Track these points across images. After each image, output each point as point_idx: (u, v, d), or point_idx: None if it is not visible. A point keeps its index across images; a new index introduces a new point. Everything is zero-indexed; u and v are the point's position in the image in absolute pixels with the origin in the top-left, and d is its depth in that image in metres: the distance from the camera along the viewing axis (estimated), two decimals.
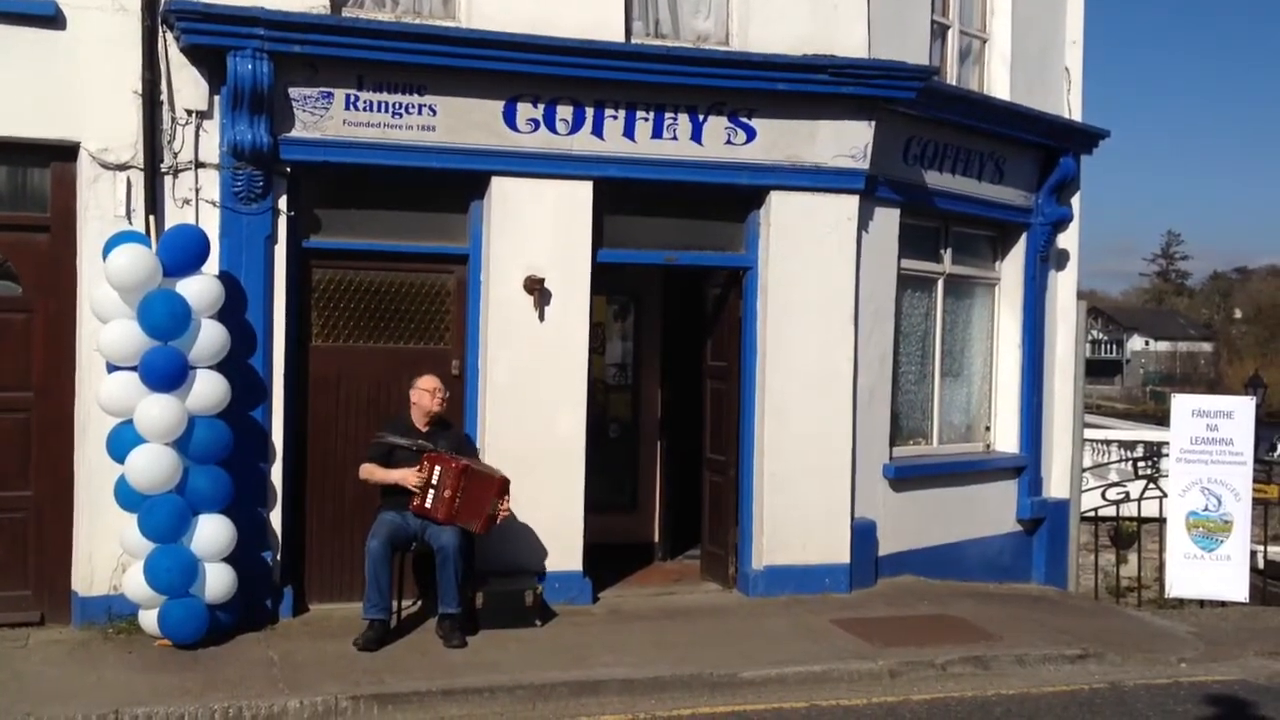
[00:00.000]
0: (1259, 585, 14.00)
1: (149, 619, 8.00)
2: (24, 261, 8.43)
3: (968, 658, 8.52)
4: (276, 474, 8.71)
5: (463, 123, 8.94)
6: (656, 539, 11.84)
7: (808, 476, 10.07)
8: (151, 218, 8.28)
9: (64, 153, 8.31)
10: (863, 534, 10.43)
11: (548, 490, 9.33)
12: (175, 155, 8.43)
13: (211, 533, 8.01)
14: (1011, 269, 12.47)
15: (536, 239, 9.28)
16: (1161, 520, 12.59)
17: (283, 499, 8.75)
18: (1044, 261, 12.47)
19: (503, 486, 8.43)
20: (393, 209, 9.19)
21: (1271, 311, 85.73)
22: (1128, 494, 13.14)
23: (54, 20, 8.10)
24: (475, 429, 9.29)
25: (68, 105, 8.17)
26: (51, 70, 8.12)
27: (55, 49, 8.12)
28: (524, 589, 8.88)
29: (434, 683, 7.44)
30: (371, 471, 8.48)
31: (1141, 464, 13.97)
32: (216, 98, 8.46)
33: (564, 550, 9.44)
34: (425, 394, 8.56)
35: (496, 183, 9.20)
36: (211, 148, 8.49)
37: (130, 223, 8.27)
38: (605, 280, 9.93)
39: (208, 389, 8.02)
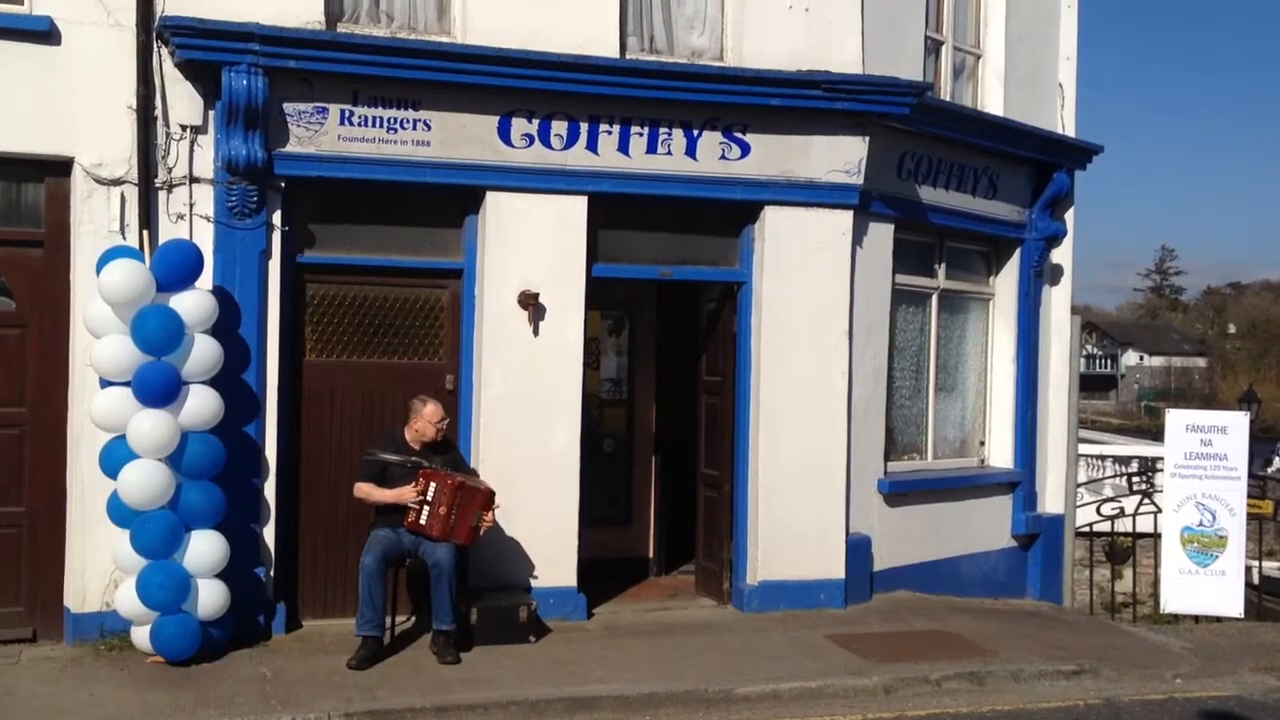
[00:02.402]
0: (1254, 600, 13.97)
1: (141, 635, 7.97)
2: (18, 276, 8.42)
3: (963, 673, 8.50)
4: (270, 489, 8.69)
5: (457, 138, 8.95)
6: (651, 554, 11.81)
7: (802, 491, 10.06)
8: (145, 233, 8.28)
9: (58, 168, 8.31)
10: (858, 549, 10.41)
11: (542, 505, 9.32)
12: (169, 170, 8.43)
13: (204, 549, 7.99)
14: (1006, 284, 12.49)
15: (531, 254, 9.28)
16: (1156, 535, 12.59)
17: (276, 514, 8.73)
18: (1038, 276, 12.50)
19: (487, 499, 8.41)
20: (387, 224, 9.19)
21: (1265, 326, 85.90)
22: (1122, 509, 13.14)
23: (49, 36, 8.11)
24: (469, 444, 9.28)
25: (62, 120, 8.18)
26: (46, 85, 8.12)
27: (50, 64, 8.13)
28: (518, 605, 8.86)
29: (428, 699, 7.42)
30: (368, 491, 8.43)
31: (1136, 479, 13.99)
32: (211, 113, 8.47)
33: (558, 565, 9.42)
34: (429, 426, 8.49)
35: (491, 198, 9.20)
36: (206, 163, 8.50)
37: (124, 238, 8.27)
38: (600, 295, 9.94)
39: (201, 404, 8.00)
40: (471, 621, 8.64)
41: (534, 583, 9.32)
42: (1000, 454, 12.46)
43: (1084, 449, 19.58)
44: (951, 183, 11.32)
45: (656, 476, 11.93)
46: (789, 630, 9.45)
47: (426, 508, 8.22)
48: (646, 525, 11.92)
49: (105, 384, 7.97)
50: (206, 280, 8.33)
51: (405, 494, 8.27)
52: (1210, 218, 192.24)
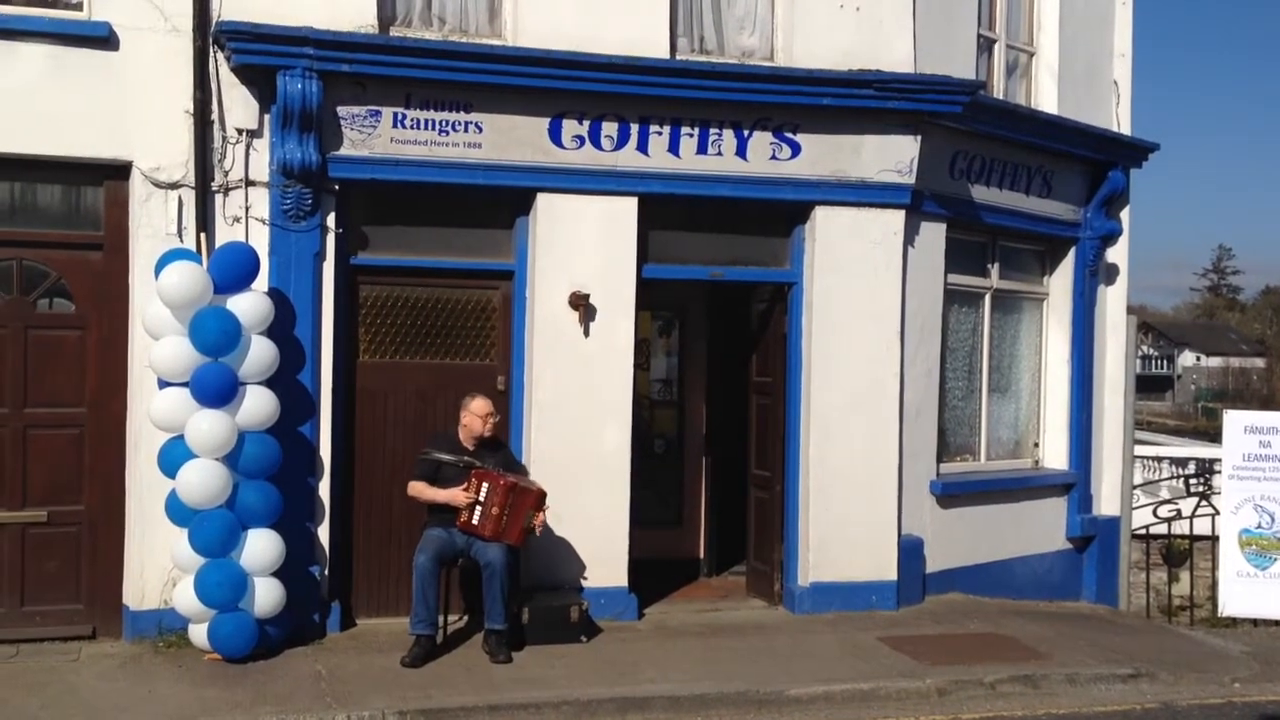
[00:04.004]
0: None
1: (199, 633, 8.08)
2: (78, 279, 8.56)
3: (1017, 676, 8.43)
4: (324, 489, 8.77)
5: (508, 140, 8.99)
6: (702, 555, 11.82)
7: (854, 493, 10.02)
8: (202, 235, 8.39)
9: (117, 171, 8.44)
10: (910, 551, 10.35)
11: (593, 506, 9.34)
12: (226, 173, 8.53)
13: (261, 547, 8.08)
14: (1060, 284, 12.37)
15: (581, 255, 9.31)
16: (1214, 538, 12.43)
17: (330, 514, 8.81)
18: (1093, 276, 12.36)
19: (539, 499, 8.45)
20: (439, 225, 9.26)
21: None
22: (1179, 511, 12.97)
23: (107, 41, 8.23)
24: (520, 444, 9.33)
25: (121, 125, 8.30)
26: (105, 90, 8.25)
27: (109, 69, 8.26)
28: (569, 604, 8.88)
29: (480, 698, 7.46)
30: (420, 490, 8.49)
31: (1193, 481, 13.80)
32: (266, 117, 8.56)
33: (609, 566, 9.44)
34: (477, 420, 8.56)
35: (542, 199, 9.24)
36: (261, 166, 8.59)
37: (181, 240, 8.39)
38: (650, 296, 9.95)
39: (257, 404, 8.09)
40: (523, 621, 8.68)
41: (585, 583, 9.34)
42: (1055, 455, 12.34)
43: (1140, 450, 19.35)
44: (1005, 181, 11.23)
45: (707, 477, 11.94)
46: (840, 632, 9.41)
47: (479, 508, 8.27)
48: (697, 526, 11.93)
49: (164, 385, 8.08)
50: (262, 282, 8.42)
51: (456, 496, 8.31)
52: (1269, 216, 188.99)
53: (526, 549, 8.83)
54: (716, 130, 9.46)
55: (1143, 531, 13.27)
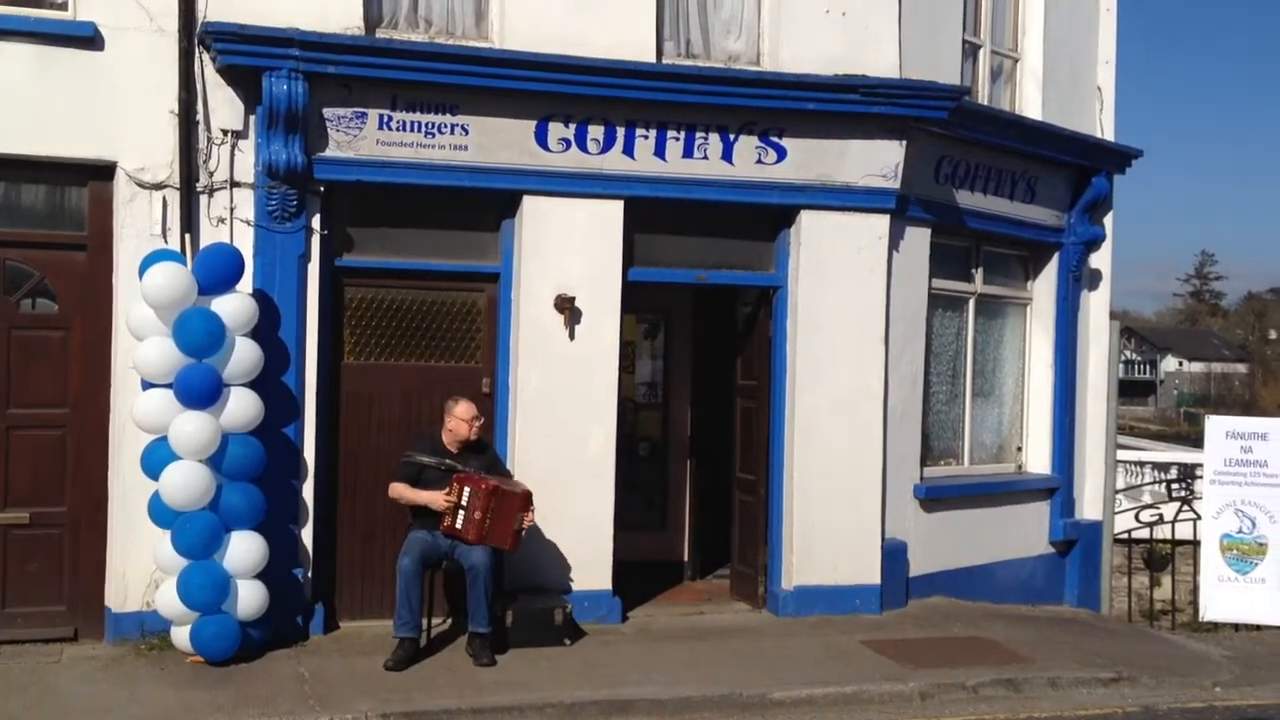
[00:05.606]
0: None
1: (181, 635, 8.05)
2: (61, 279, 8.53)
3: (999, 680, 8.46)
4: (308, 491, 8.76)
5: (495, 142, 8.99)
6: (686, 558, 11.83)
7: (838, 496, 10.04)
8: (187, 236, 8.36)
9: (101, 172, 8.41)
10: (893, 554, 10.38)
11: (577, 508, 9.35)
12: (210, 174, 8.51)
13: (244, 550, 8.06)
14: (1044, 289, 12.41)
15: (567, 258, 9.31)
16: (1195, 543, 12.48)
17: (314, 516, 8.80)
18: (1076, 281, 12.41)
19: (525, 500, 8.44)
20: (425, 228, 9.25)
21: None
22: (1161, 516, 13.02)
23: (92, 41, 8.21)
24: (505, 447, 9.32)
25: (105, 125, 8.27)
26: (90, 90, 8.22)
27: (94, 69, 8.23)
28: (553, 607, 8.88)
29: (464, 701, 7.46)
30: (401, 492, 8.49)
31: (1175, 486, 13.86)
32: (252, 117, 8.54)
33: (593, 569, 9.44)
34: (463, 424, 8.55)
35: (528, 202, 9.24)
36: (246, 167, 8.58)
37: (166, 241, 8.36)
38: (636, 299, 9.96)
39: (241, 406, 8.07)
40: (507, 624, 8.68)
41: (569, 586, 9.34)
42: (1038, 460, 12.38)
43: (1122, 455, 19.40)
44: (989, 187, 11.27)
45: (691, 480, 11.95)
46: (824, 635, 9.43)
47: (462, 512, 8.25)
48: (681, 529, 11.94)
49: (147, 386, 8.05)
50: (247, 283, 8.40)
51: (436, 499, 8.30)
52: (1252, 222, 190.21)
53: (515, 552, 8.82)
54: (702, 134, 9.47)
55: (1125, 536, 13.33)
